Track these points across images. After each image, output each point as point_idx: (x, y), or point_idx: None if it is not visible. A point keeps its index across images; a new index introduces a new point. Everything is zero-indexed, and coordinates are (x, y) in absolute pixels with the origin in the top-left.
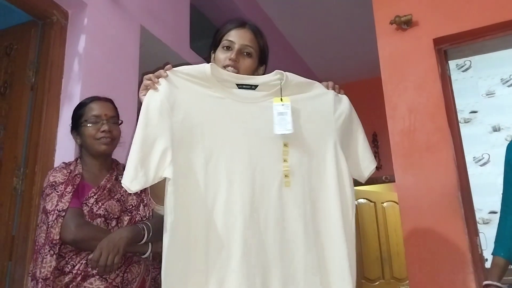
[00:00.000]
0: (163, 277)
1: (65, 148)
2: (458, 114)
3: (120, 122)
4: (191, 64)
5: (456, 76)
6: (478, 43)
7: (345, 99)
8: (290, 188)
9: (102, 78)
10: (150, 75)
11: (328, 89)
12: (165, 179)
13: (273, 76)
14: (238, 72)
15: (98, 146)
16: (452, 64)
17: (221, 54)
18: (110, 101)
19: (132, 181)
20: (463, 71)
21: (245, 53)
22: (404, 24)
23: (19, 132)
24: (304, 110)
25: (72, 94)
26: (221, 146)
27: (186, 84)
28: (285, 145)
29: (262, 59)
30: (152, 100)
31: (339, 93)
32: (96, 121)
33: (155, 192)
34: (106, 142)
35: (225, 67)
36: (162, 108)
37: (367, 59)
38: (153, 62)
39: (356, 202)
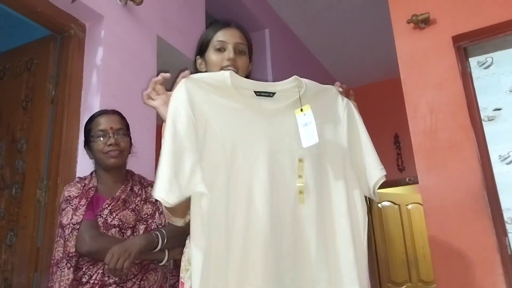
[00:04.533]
0: None
1: (85, 159)
2: (482, 112)
3: (128, 133)
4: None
5: (477, 74)
6: (498, 39)
7: (353, 109)
8: (304, 205)
9: (120, 89)
10: (158, 80)
11: (338, 90)
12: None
13: (291, 83)
14: (237, 71)
15: (107, 160)
16: (473, 61)
17: (214, 56)
18: (117, 113)
19: (168, 193)
20: (484, 68)
21: (239, 51)
22: (422, 22)
23: (41, 144)
24: (319, 124)
25: (92, 105)
26: (240, 162)
27: (204, 94)
28: (300, 160)
29: (250, 55)
30: (178, 111)
31: (348, 95)
32: (103, 135)
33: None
34: (114, 155)
35: (222, 68)
36: (189, 120)
37: (385, 60)
38: (170, 71)
39: (380, 205)
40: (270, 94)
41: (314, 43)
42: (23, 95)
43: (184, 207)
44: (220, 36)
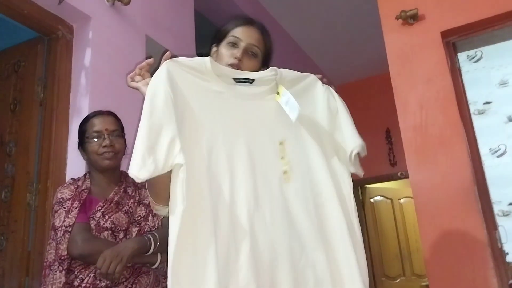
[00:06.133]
0: (171, 272)
1: (75, 161)
2: (472, 105)
3: (123, 134)
4: None
5: (467, 68)
6: (487, 34)
7: (333, 92)
8: (290, 184)
9: (110, 90)
10: (142, 64)
11: (317, 76)
12: (167, 174)
13: (268, 72)
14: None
15: (101, 161)
16: (463, 55)
17: (225, 51)
18: (112, 114)
19: (140, 169)
20: (474, 62)
21: (250, 53)
22: (410, 18)
23: (30, 148)
24: (299, 108)
25: (81, 107)
26: (221, 141)
27: (185, 76)
28: (281, 143)
29: (265, 60)
30: (156, 88)
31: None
32: (98, 136)
33: (156, 189)
34: (109, 156)
35: (227, 64)
36: (167, 96)
37: (376, 55)
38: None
39: (372, 200)
40: (249, 81)
41: (304, 40)
42: (11, 97)
43: (167, 193)
44: (238, 32)
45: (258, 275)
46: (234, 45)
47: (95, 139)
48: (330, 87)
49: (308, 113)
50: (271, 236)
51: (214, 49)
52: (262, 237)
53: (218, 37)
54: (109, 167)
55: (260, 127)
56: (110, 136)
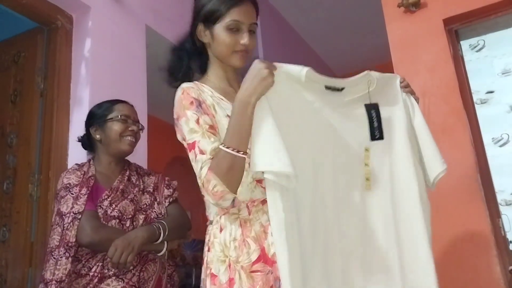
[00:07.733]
0: (287, 274)
1: (77, 152)
2: (474, 95)
3: (141, 127)
4: None
5: (470, 57)
6: (490, 21)
7: (416, 104)
8: (371, 191)
9: (110, 80)
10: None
11: (401, 81)
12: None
13: (360, 79)
14: (247, 56)
15: (124, 145)
16: (465, 44)
17: (227, 37)
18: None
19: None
20: (476, 51)
21: (252, 32)
22: (412, 6)
23: (31, 138)
24: (386, 115)
25: (81, 98)
26: (307, 150)
27: (284, 82)
28: (366, 149)
29: None
30: (270, 95)
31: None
32: (125, 121)
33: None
34: (131, 143)
35: (235, 51)
36: (278, 105)
37: (378, 44)
38: (160, 61)
39: None
40: (339, 89)
41: (305, 30)
42: (11, 89)
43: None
44: (236, 14)
45: (330, 279)
46: (236, 30)
47: (123, 122)
48: (410, 96)
49: (395, 122)
50: (345, 241)
51: (201, 27)
52: (336, 239)
53: (207, 17)
54: (126, 154)
55: (348, 134)
56: (136, 125)
